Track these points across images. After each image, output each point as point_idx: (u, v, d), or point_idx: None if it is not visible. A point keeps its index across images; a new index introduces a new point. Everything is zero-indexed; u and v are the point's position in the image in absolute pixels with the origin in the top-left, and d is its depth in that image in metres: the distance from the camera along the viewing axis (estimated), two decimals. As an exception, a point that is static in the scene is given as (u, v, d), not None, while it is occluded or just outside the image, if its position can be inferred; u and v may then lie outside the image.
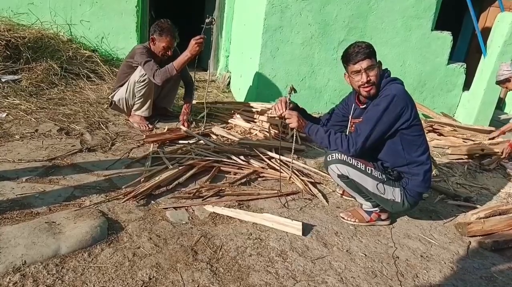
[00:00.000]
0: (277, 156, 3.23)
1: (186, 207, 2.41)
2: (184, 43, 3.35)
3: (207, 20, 3.17)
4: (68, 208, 2.20)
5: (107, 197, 2.37)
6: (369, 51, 2.22)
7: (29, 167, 2.59)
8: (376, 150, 2.40)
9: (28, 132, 3.08)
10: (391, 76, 2.35)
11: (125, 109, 3.64)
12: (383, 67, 2.36)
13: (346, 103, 2.60)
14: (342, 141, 2.27)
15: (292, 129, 2.50)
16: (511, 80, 3.76)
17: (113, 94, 3.67)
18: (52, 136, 3.09)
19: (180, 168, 2.77)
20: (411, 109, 2.24)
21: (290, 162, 3.18)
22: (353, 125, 2.44)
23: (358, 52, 2.22)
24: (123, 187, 2.49)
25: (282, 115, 2.40)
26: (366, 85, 2.26)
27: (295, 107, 2.57)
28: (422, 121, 4.50)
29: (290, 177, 2.95)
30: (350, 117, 2.50)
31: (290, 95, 2.46)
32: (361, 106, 2.43)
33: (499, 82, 3.91)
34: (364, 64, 2.22)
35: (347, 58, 2.28)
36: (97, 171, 2.68)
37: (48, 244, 1.85)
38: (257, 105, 4.18)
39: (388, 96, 2.20)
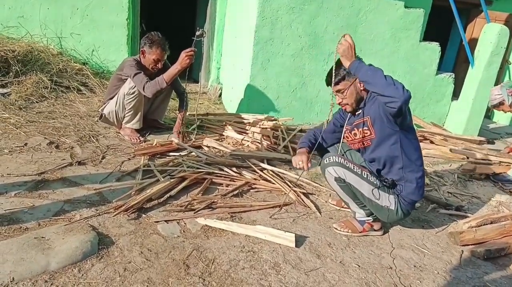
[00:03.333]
0: (269, 167, 3.23)
1: (178, 220, 2.38)
2: (175, 55, 3.35)
3: (197, 33, 3.18)
4: (57, 223, 2.17)
5: (98, 211, 2.34)
6: (337, 75, 2.33)
7: (18, 181, 2.55)
8: (377, 151, 2.38)
9: (17, 146, 3.05)
10: None
11: (115, 122, 3.62)
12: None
13: (343, 112, 2.58)
14: (398, 82, 2.07)
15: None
16: (505, 103, 3.81)
17: (103, 107, 3.65)
18: (42, 150, 3.06)
19: (172, 180, 2.75)
20: (409, 109, 2.27)
21: (283, 173, 3.18)
22: (348, 131, 2.49)
23: (330, 77, 2.36)
24: (113, 201, 2.46)
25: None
26: (340, 105, 2.43)
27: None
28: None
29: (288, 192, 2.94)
30: (345, 125, 2.52)
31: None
32: (357, 112, 2.44)
33: (493, 107, 3.97)
34: (334, 89, 2.39)
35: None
36: (87, 184, 2.65)
37: (37, 260, 1.82)
38: (248, 117, 4.19)
39: None
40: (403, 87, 2.07)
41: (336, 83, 2.35)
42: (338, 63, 2.33)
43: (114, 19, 5.01)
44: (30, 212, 2.23)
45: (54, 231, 2.04)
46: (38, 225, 2.14)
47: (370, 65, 2.18)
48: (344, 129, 2.52)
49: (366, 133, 2.36)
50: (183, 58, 3.19)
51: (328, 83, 2.39)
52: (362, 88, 2.33)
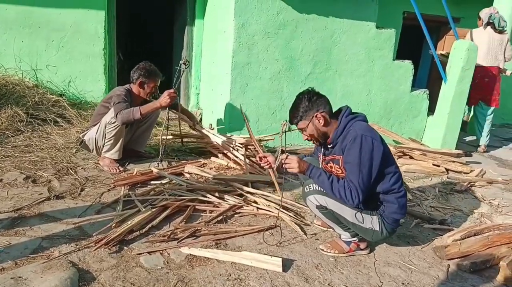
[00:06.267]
0: (253, 190, 3.21)
1: (161, 251, 2.32)
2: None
3: (181, 62, 3.27)
4: (35, 261, 2.09)
5: (77, 246, 2.27)
6: (296, 116, 2.36)
7: (-7, 219, 2.46)
8: None
9: (-9, 183, 2.96)
10: (354, 112, 2.41)
11: (94, 150, 3.57)
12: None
13: None
14: (346, 191, 2.20)
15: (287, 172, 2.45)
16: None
17: (84, 133, 3.61)
18: (18, 185, 2.97)
19: (153, 209, 2.70)
20: (380, 141, 2.27)
21: (266, 196, 3.16)
22: (324, 162, 2.49)
23: (290, 117, 2.40)
24: (94, 234, 2.39)
25: (281, 164, 2.36)
26: (308, 141, 2.45)
27: None
28: (392, 148, 4.64)
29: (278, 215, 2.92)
30: (320, 155, 2.54)
31: (283, 132, 2.40)
32: (328, 146, 2.46)
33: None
34: (298, 127, 2.40)
35: None
36: (66, 219, 2.57)
37: (13, 302, 1.74)
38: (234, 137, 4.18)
39: (356, 138, 2.21)
40: (352, 194, 2.20)
41: (296, 124, 2.39)
42: (295, 103, 2.38)
43: (90, 49, 5.00)
44: (6, 251, 2.15)
45: (32, 270, 1.97)
46: (15, 264, 2.05)
47: (321, 173, 2.29)
48: (320, 160, 2.54)
49: (338, 171, 2.36)
50: (165, 97, 3.31)
51: (290, 122, 2.43)
52: (322, 124, 2.34)
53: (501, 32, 5.20)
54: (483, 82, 5.24)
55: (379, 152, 2.23)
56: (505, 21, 5.19)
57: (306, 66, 4.67)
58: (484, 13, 5.20)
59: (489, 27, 5.20)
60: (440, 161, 4.55)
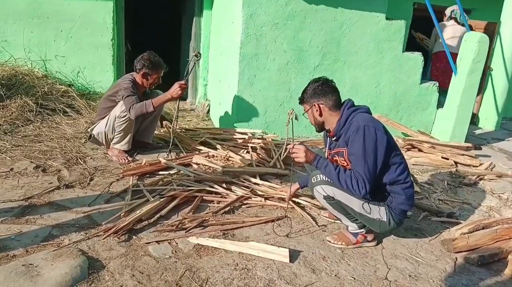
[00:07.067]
0: (261, 182, 3.21)
1: (169, 240, 2.35)
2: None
3: (192, 54, 3.27)
4: (46, 248, 2.12)
5: (87, 235, 2.29)
6: (301, 98, 2.46)
7: (4, 207, 2.50)
8: None
9: (3, 172, 2.99)
10: (357, 105, 2.42)
11: (104, 143, 3.59)
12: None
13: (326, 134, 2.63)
14: (352, 181, 2.20)
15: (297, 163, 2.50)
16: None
17: (92, 127, 3.63)
18: (28, 175, 3.01)
19: (162, 199, 2.72)
20: (383, 131, 2.26)
21: (274, 188, 3.17)
22: (329, 155, 2.49)
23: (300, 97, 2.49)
24: (103, 223, 2.42)
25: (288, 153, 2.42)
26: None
27: None
28: (401, 140, 4.61)
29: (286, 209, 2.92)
30: (326, 147, 2.54)
31: (290, 121, 2.38)
32: (332, 138, 2.47)
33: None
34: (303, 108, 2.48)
35: None
36: (75, 207, 2.61)
37: (25, 288, 1.77)
38: (239, 131, 4.19)
39: (359, 129, 2.21)
40: (358, 185, 2.19)
41: (301, 104, 2.48)
42: (306, 86, 2.45)
43: (99, 40, 5.01)
44: (18, 239, 2.18)
45: (43, 257, 2.00)
46: (26, 251, 2.09)
47: (328, 164, 2.30)
48: (326, 153, 2.54)
49: (344, 163, 2.36)
50: (176, 88, 3.32)
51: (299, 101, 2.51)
52: (318, 114, 2.39)
53: (463, 25, 5.80)
54: (448, 66, 5.23)
55: (383, 142, 2.23)
56: (465, 16, 5.79)
57: (314, 58, 4.64)
58: (448, 9, 5.98)
59: (452, 20, 5.93)
60: (449, 153, 4.51)
